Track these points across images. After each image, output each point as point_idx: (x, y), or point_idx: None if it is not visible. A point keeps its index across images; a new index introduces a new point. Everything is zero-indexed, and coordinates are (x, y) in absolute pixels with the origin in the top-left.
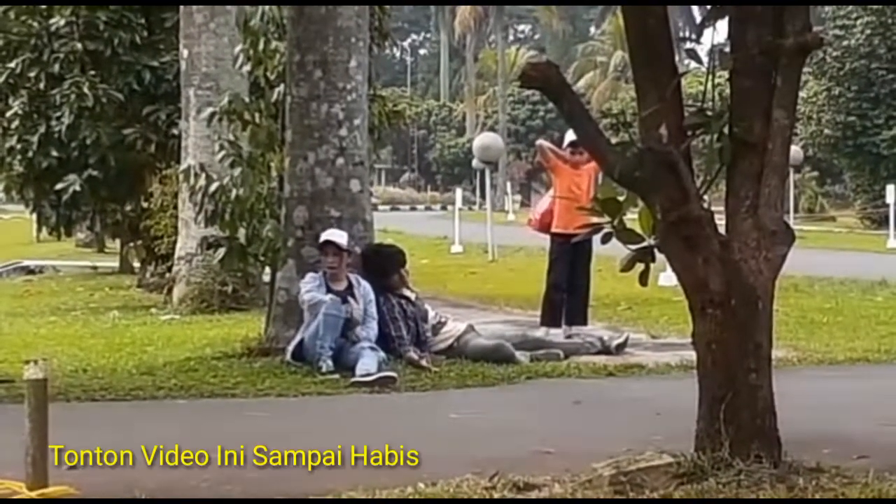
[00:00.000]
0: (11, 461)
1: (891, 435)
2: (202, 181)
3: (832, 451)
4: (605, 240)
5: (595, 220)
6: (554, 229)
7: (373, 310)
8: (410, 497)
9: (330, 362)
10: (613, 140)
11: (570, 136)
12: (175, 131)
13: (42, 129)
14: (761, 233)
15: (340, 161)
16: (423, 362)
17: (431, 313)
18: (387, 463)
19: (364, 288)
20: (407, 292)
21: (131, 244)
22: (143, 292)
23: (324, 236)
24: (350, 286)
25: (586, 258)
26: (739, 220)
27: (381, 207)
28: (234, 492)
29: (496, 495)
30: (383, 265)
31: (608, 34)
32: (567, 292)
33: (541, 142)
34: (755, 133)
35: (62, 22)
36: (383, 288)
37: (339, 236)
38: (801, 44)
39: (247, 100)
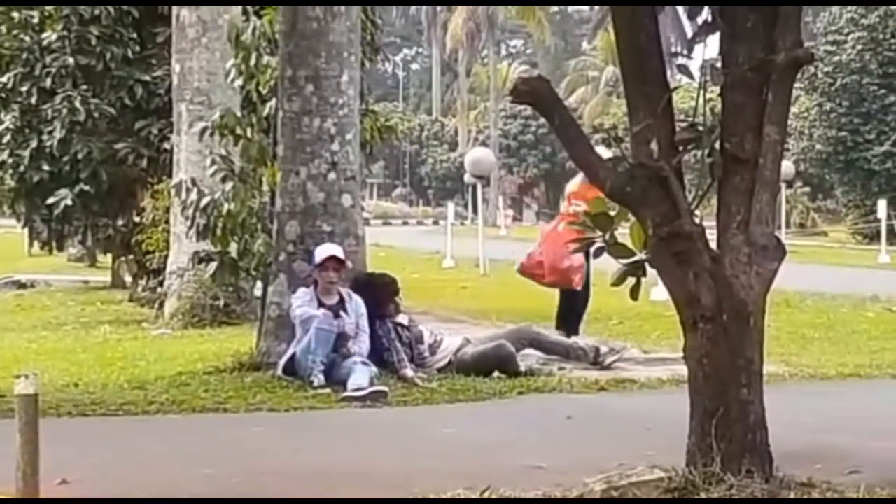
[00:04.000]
0: (2, 477)
1: (882, 450)
2: (194, 196)
3: (824, 466)
4: (597, 254)
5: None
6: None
7: (364, 324)
8: None
9: (321, 377)
10: (605, 155)
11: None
12: (167, 146)
13: (34, 144)
14: (752, 248)
15: (332, 176)
16: (417, 380)
17: (426, 333)
18: (378, 476)
19: (355, 302)
20: (401, 318)
21: (123, 259)
22: (134, 307)
23: (325, 252)
24: (342, 300)
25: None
26: (730, 236)
27: (372, 222)
28: None
29: None
30: (376, 295)
31: (600, 49)
32: None
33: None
34: (746, 148)
35: (54, 36)
36: (378, 315)
37: (337, 250)
38: (792, 59)
39: (239, 114)
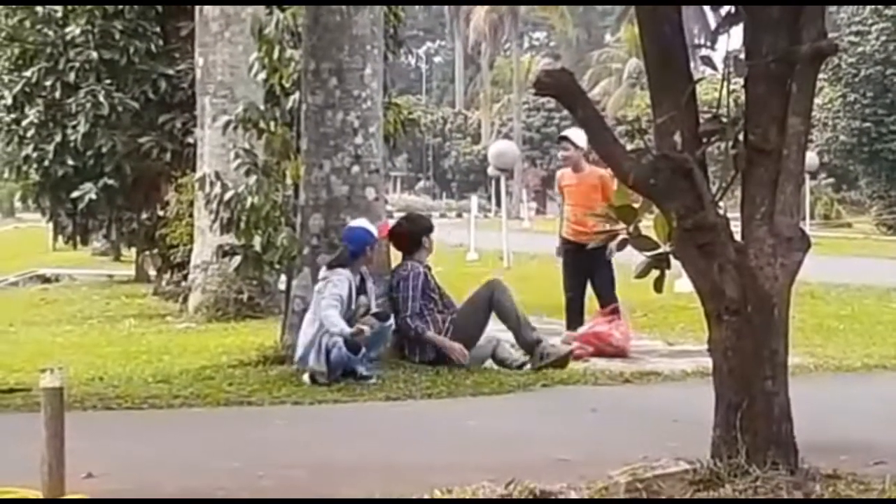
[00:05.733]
0: (28, 470)
1: None
2: (217, 189)
3: (849, 458)
4: (620, 247)
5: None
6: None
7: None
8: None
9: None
10: (629, 147)
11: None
12: (190, 140)
13: (58, 138)
14: (777, 239)
15: (356, 169)
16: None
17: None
18: (402, 469)
19: (371, 281)
20: (430, 263)
21: (147, 252)
22: (158, 301)
23: (371, 226)
24: (362, 279)
25: (600, 269)
26: (755, 227)
27: (396, 215)
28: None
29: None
30: (416, 231)
31: (623, 41)
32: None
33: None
34: (770, 140)
35: (78, 31)
36: (416, 259)
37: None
38: (816, 50)
39: (262, 108)
